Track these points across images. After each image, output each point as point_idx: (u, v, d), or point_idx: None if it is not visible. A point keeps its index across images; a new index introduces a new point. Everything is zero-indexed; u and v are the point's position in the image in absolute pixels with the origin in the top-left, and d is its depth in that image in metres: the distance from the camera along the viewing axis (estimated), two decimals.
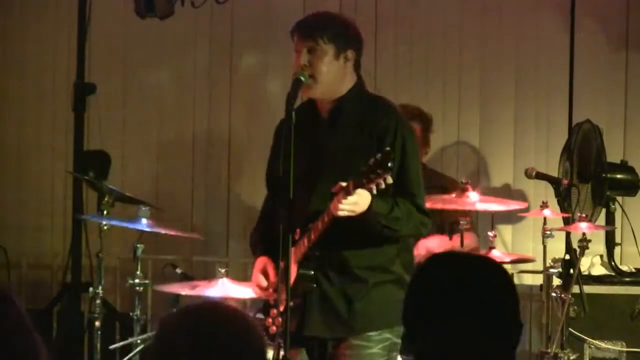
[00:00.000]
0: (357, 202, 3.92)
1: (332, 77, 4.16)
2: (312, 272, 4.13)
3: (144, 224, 5.44)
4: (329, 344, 4.19)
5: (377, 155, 3.78)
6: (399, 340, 4.20)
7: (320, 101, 4.23)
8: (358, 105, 4.20)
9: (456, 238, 5.78)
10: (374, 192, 3.84)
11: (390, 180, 3.82)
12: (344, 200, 3.88)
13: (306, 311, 4.12)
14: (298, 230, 4.10)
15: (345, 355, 4.16)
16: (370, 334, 4.15)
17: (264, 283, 4.26)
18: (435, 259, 2.56)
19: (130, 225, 5.49)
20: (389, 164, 3.75)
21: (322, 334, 4.18)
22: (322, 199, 4.07)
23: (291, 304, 3.99)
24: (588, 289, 6.08)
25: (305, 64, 4.11)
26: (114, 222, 5.56)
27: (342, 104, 4.19)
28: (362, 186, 3.82)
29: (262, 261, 4.29)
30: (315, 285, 4.13)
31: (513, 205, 6.18)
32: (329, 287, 4.16)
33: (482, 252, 6.24)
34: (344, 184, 3.88)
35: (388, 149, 3.82)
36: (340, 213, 3.91)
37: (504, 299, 2.47)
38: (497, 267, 2.56)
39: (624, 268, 6.61)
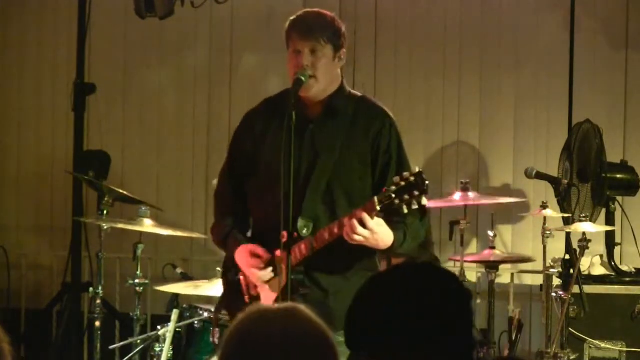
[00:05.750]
0: (375, 232, 3.86)
1: (330, 77, 4.14)
2: (303, 277, 4.03)
3: (146, 225, 5.43)
4: None
5: (405, 175, 3.77)
6: None
7: (306, 99, 4.15)
8: (349, 104, 4.18)
9: None
10: (405, 211, 3.79)
11: (425, 201, 3.81)
12: (360, 230, 3.82)
13: None
14: (284, 233, 3.92)
15: None
16: None
17: (261, 263, 4.09)
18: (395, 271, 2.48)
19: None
20: (426, 185, 3.74)
21: None
22: (316, 198, 4.04)
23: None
24: (588, 289, 6.07)
25: (308, 64, 4.09)
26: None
27: (332, 102, 4.16)
28: (393, 205, 3.77)
29: (245, 248, 4.13)
30: (309, 290, 4.04)
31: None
32: (312, 285, 4.08)
33: (484, 252, 6.25)
34: (377, 206, 3.79)
35: (419, 169, 3.79)
36: (356, 238, 3.84)
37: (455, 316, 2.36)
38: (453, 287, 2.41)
39: (624, 268, 6.61)
